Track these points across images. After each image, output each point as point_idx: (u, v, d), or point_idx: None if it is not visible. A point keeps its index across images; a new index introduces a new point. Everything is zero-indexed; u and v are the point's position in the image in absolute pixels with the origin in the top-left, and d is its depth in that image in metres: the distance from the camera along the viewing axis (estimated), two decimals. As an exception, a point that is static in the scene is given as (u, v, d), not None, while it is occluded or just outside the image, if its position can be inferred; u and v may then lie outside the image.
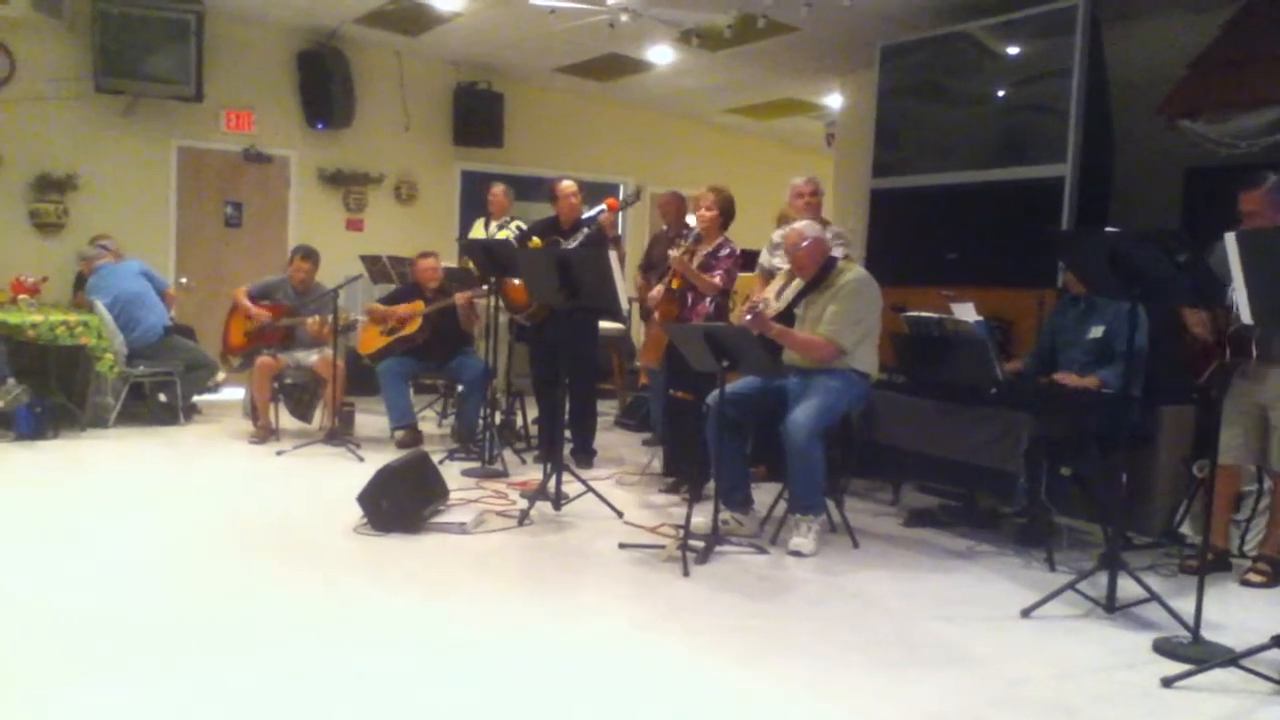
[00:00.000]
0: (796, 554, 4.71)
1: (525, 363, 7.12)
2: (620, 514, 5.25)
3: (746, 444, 5.28)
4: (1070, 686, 3.33)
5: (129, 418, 7.40)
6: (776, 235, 6.07)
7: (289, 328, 7.17)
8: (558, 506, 5.29)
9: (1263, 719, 3.15)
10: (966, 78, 6.88)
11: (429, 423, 7.84)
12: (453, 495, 5.32)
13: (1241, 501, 4.99)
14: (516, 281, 6.40)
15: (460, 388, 7.17)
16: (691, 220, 5.89)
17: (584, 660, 3.42)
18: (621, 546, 4.72)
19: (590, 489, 5.36)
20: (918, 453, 5.22)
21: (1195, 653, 3.52)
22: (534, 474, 6.00)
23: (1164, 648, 3.63)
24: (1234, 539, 4.94)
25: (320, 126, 9.84)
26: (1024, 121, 6.54)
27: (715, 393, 4.86)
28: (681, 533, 4.57)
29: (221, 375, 7.86)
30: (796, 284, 5.18)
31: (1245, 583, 4.54)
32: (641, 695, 3.16)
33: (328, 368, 6.90)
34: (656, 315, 5.71)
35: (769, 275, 5.73)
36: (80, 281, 8.51)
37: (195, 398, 7.88)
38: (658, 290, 5.88)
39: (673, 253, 5.59)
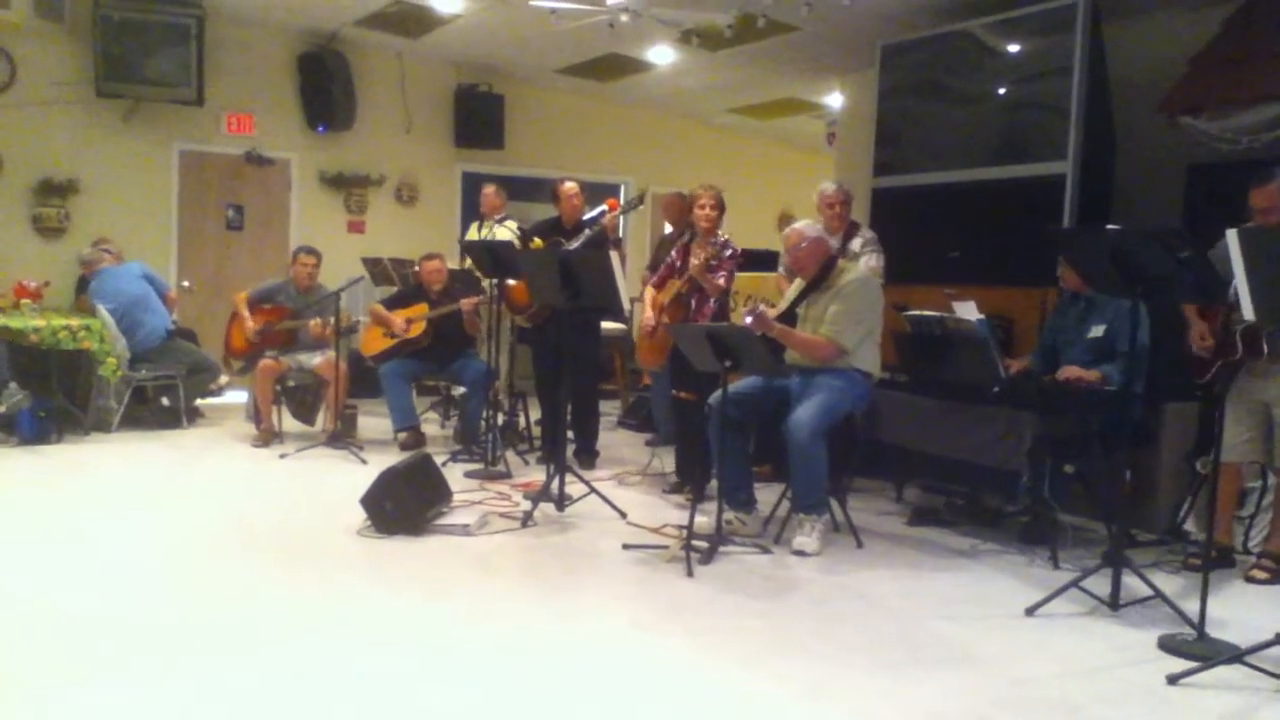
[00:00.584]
0: (800, 553, 4.71)
1: (527, 364, 7.12)
2: (623, 515, 5.25)
3: (749, 444, 5.29)
4: (1075, 685, 3.33)
5: (132, 421, 7.40)
6: None
7: (291, 330, 7.18)
8: (561, 507, 5.29)
9: (1268, 716, 3.14)
10: (967, 76, 6.87)
11: (432, 424, 7.85)
12: (456, 497, 5.32)
13: (1245, 498, 4.99)
14: (512, 282, 6.41)
15: (463, 389, 7.17)
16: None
17: (587, 661, 3.42)
18: (625, 547, 4.72)
19: (593, 490, 5.36)
20: (920, 452, 5.22)
21: (1200, 650, 3.52)
22: (537, 475, 6.01)
23: (1169, 645, 3.63)
24: (1238, 536, 4.94)
25: (321, 129, 9.84)
26: (1025, 119, 6.54)
27: (718, 393, 4.85)
28: (685, 533, 4.57)
29: (224, 378, 7.87)
30: (798, 284, 5.18)
31: (1250, 579, 4.53)
32: (645, 695, 3.16)
33: (330, 370, 6.90)
34: (665, 319, 5.69)
35: (792, 275, 5.71)
36: (82, 285, 8.52)
37: (198, 401, 7.89)
38: (658, 299, 5.86)
39: (694, 261, 5.57)
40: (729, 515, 4.96)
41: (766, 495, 5.34)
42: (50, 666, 3.21)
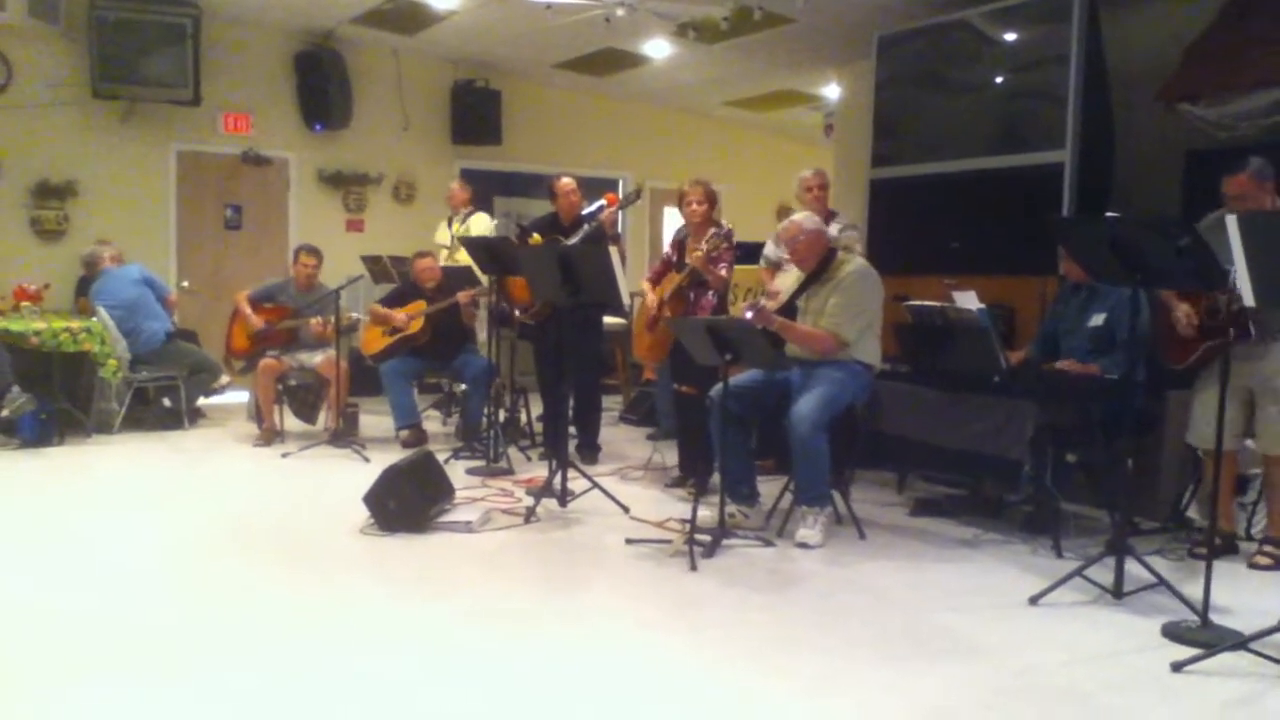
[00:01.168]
0: (803, 546, 4.71)
1: (527, 360, 7.12)
2: (626, 509, 5.25)
3: (750, 437, 5.29)
4: (1080, 673, 3.33)
5: (134, 423, 7.41)
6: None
7: (292, 329, 7.18)
8: (563, 503, 5.29)
9: (1273, 702, 3.14)
10: (964, 66, 6.86)
11: (433, 422, 7.85)
12: (458, 494, 5.33)
13: (1248, 485, 4.99)
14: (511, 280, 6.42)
15: (464, 386, 7.17)
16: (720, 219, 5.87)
17: (592, 657, 3.42)
18: (628, 542, 4.72)
19: (596, 485, 5.36)
20: (922, 442, 5.22)
21: (1204, 637, 3.52)
22: (539, 471, 6.01)
23: (1173, 632, 3.63)
24: (1240, 522, 4.94)
25: (318, 128, 9.83)
26: (1023, 108, 6.53)
27: (718, 386, 4.85)
28: (688, 527, 4.57)
29: (225, 378, 7.87)
30: (797, 276, 5.17)
31: (1253, 565, 4.54)
32: (650, 691, 3.17)
33: (331, 369, 6.90)
34: (665, 313, 5.69)
35: (776, 267, 5.72)
36: (82, 287, 8.53)
37: (200, 401, 7.89)
38: (657, 293, 5.86)
39: (696, 254, 5.57)
40: (731, 509, 4.96)
41: (769, 488, 5.35)
42: (52, 667, 3.21)
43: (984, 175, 6.58)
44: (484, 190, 10.44)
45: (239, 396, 8.15)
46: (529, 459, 6.63)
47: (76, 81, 8.75)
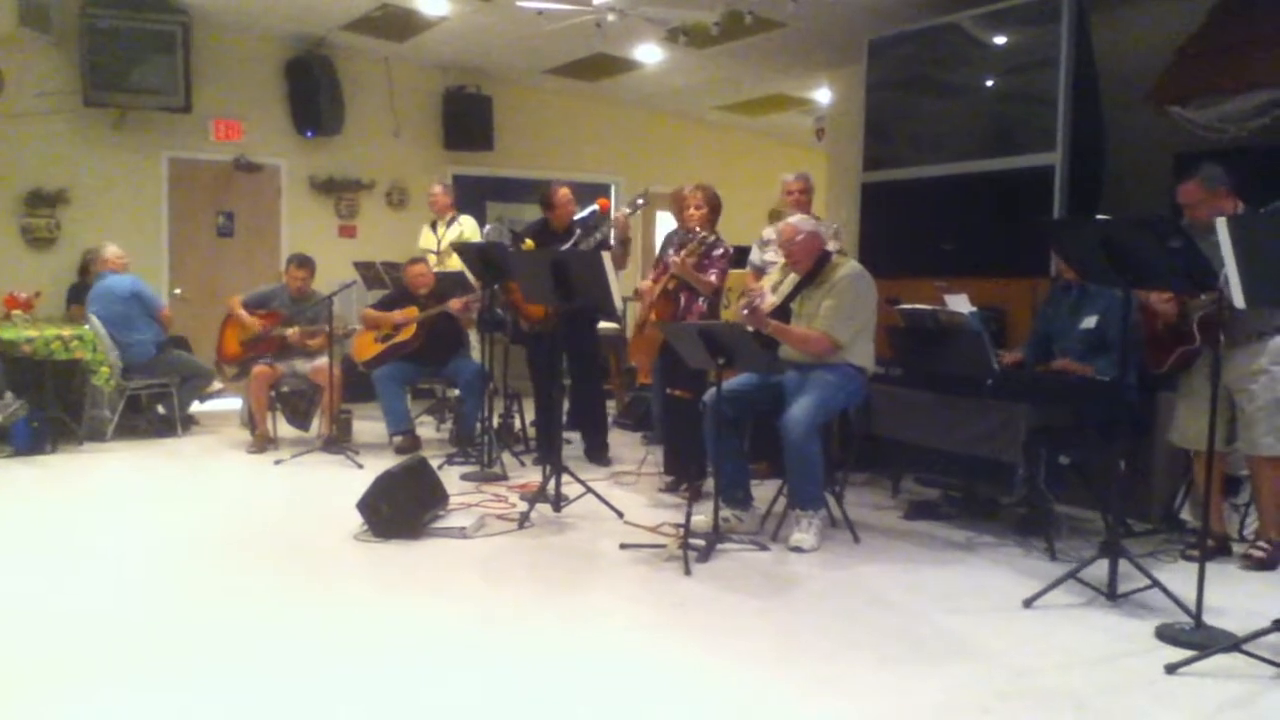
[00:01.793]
0: (798, 550, 4.71)
1: (521, 365, 7.12)
2: (620, 514, 5.25)
3: (744, 441, 5.29)
4: (1075, 675, 3.34)
5: (127, 430, 7.39)
6: (768, 232, 6.06)
7: (285, 337, 7.16)
8: (558, 508, 5.29)
9: (1266, 703, 3.15)
10: (955, 69, 6.88)
11: (427, 428, 7.84)
12: (453, 499, 5.32)
13: (1240, 486, 5.00)
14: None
15: (457, 391, 7.17)
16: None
17: (587, 661, 3.42)
18: (623, 547, 4.72)
19: (590, 490, 5.36)
20: (916, 445, 5.23)
21: (1198, 638, 3.53)
22: (533, 476, 6.00)
23: (1167, 634, 3.64)
24: (1233, 524, 4.96)
25: (310, 134, 9.83)
26: (1013, 111, 6.56)
27: (712, 390, 4.85)
28: (682, 531, 4.57)
29: (218, 384, 7.85)
30: (791, 279, 5.18)
31: (1246, 558, 4.55)
32: (646, 695, 3.16)
33: (324, 375, 6.89)
34: (653, 316, 5.70)
35: (760, 272, 5.74)
36: (73, 294, 8.52)
37: (194, 406, 7.87)
38: (650, 289, 5.86)
39: (676, 259, 5.58)
40: (726, 513, 4.96)
41: (763, 492, 5.35)
42: (46, 673, 3.20)
43: (975, 178, 6.61)
44: (476, 196, 10.46)
45: (232, 403, 8.13)
46: (523, 464, 6.62)
47: (67, 89, 8.75)
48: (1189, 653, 3.41)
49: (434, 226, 8.28)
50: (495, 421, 6.68)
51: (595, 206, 6.52)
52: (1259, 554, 4.53)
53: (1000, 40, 6.64)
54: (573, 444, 6.71)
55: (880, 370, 5.28)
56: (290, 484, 6.11)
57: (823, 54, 8.62)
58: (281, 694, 3.11)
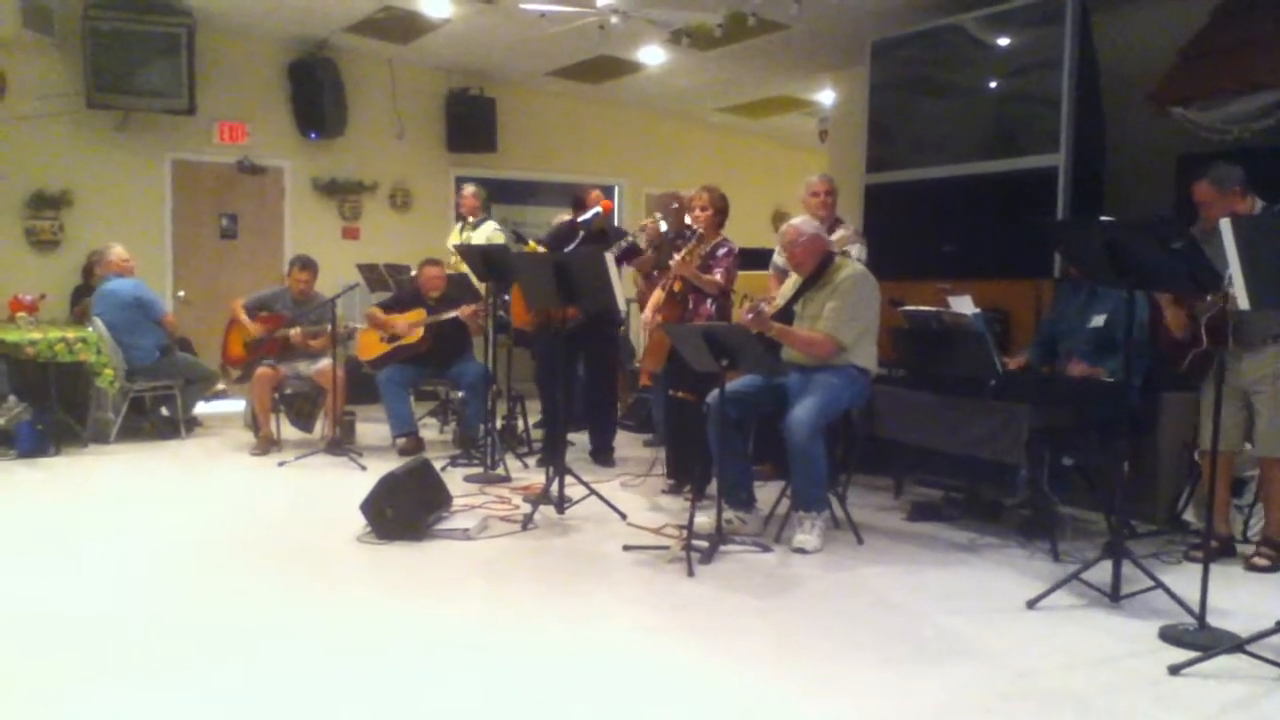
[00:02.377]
0: (801, 551, 4.71)
1: (524, 367, 7.13)
2: (624, 516, 5.25)
3: (748, 443, 5.29)
4: (1078, 676, 3.33)
5: (130, 432, 7.40)
6: None
7: (288, 338, 7.17)
8: (561, 510, 5.29)
9: (1270, 704, 3.15)
10: (958, 70, 6.89)
11: (430, 429, 7.85)
12: (456, 501, 5.32)
13: (1244, 487, 4.99)
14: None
15: (460, 393, 7.17)
16: (686, 219, 5.88)
17: (591, 663, 3.42)
18: (626, 548, 4.72)
19: (593, 492, 5.36)
20: (919, 447, 5.23)
21: (1202, 640, 3.52)
22: (537, 478, 6.01)
23: (1170, 635, 3.63)
24: (1237, 525, 4.95)
25: (313, 136, 9.85)
26: (1016, 112, 6.56)
27: (716, 392, 4.85)
28: (685, 533, 4.57)
29: (221, 385, 7.87)
30: (794, 280, 5.18)
31: (1251, 567, 4.54)
32: (649, 697, 3.16)
33: (328, 377, 6.90)
34: (659, 319, 5.70)
35: (783, 275, 5.71)
36: (77, 296, 8.53)
37: (198, 406, 7.87)
38: (656, 296, 5.86)
39: (675, 259, 5.57)
40: (729, 514, 4.96)
41: (766, 494, 5.35)
42: (49, 674, 3.21)
43: (978, 179, 6.61)
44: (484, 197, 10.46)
45: (235, 405, 8.14)
46: (526, 466, 6.63)
47: (71, 92, 8.77)
48: (1193, 654, 3.40)
49: (462, 226, 8.28)
50: (498, 423, 6.69)
51: (598, 209, 6.51)
52: (1263, 562, 4.52)
53: (1003, 42, 6.64)
54: (576, 445, 6.71)
55: (883, 371, 5.27)
56: (294, 486, 6.12)
57: (826, 56, 8.62)
58: (283, 695, 3.11)
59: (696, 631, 3.72)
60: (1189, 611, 3.69)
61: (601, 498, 5.34)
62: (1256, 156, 5.51)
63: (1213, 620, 3.63)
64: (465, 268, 7.56)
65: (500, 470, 6.21)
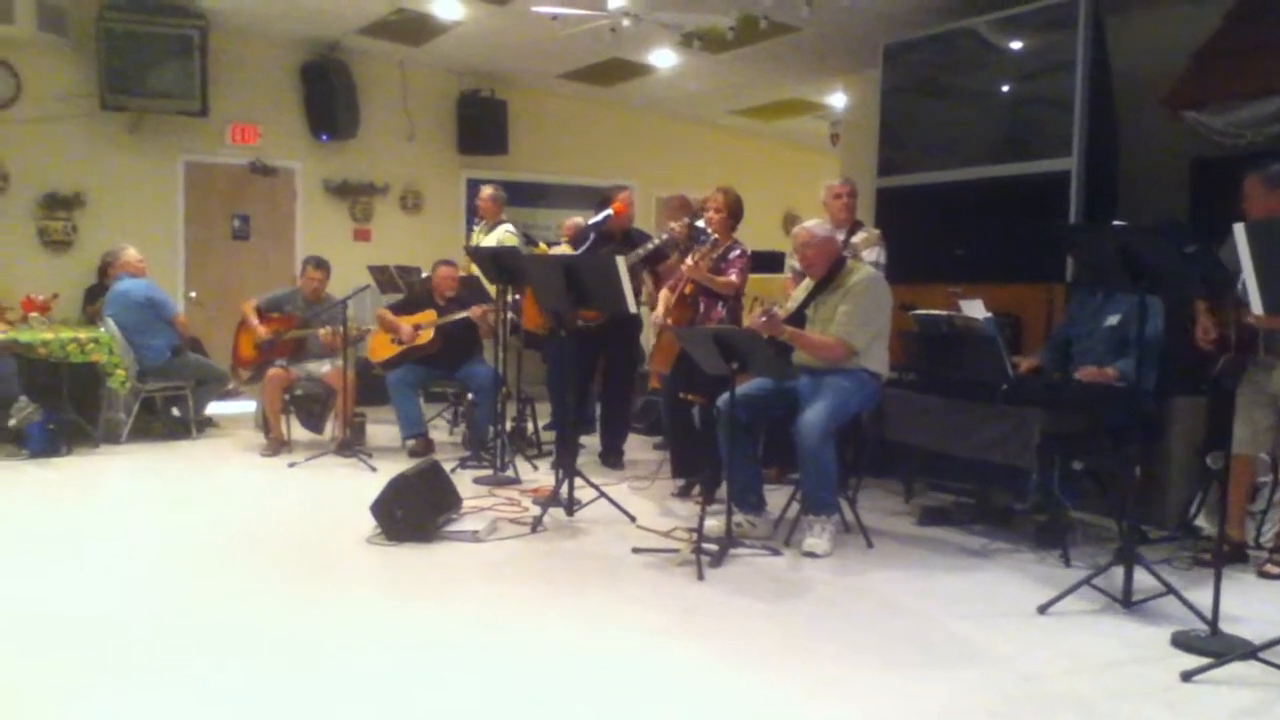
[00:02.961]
0: (811, 555, 4.70)
1: (534, 369, 7.13)
2: (633, 518, 5.25)
3: (758, 446, 5.27)
4: (1088, 682, 3.32)
5: (142, 433, 7.42)
6: None
7: (300, 339, 7.19)
8: (570, 512, 5.29)
9: (1283, 711, 3.13)
10: (970, 74, 6.87)
11: (440, 431, 7.86)
12: (465, 503, 5.33)
13: (1257, 493, 4.97)
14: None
15: (470, 395, 7.18)
16: (700, 223, 5.87)
17: (599, 665, 3.42)
18: (635, 551, 4.72)
19: (603, 494, 5.36)
20: (929, 451, 5.21)
21: (1214, 646, 3.50)
22: (546, 480, 6.00)
23: (1182, 641, 3.61)
24: (1250, 531, 4.92)
25: (325, 138, 9.87)
26: (1028, 116, 6.53)
27: (726, 395, 4.85)
28: (695, 536, 4.56)
29: (232, 386, 7.89)
30: (806, 284, 5.17)
31: (1264, 574, 4.51)
32: (657, 699, 3.16)
33: (338, 379, 6.91)
34: (669, 321, 5.69)
35: (800, 278, 5.69)
36: (90, 296, 8.57)
37: (210, 405, 7.89)
38: (663, 299, 5.85)
39: (686, 261, 5.56)
40: (738, 518, 4.95)
41: (776, 498, 5.34)
42: (60, 673, 3.22)
43: (990, 183, 6.59)
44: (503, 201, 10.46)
45: (246, 406, 8.16)
46: (535, 468, 6.63)
47: (85, 93, 8.81)
48: (1205, 660, 3.38)
49: (478, 228, 8.30)
50: (508, 425, 6.69)
51: (609, 210, 6.51)
52: (1276, 570, 4.50)
53: (1016, 45, 6.62)
54: (586, 448, 6.71)
55: (894, 375, 5.26)
56: (304, 487, 6.13)
57: (837, 59, 8.61)
58: (292, 692, 3.12)
59: (704, 634, 3.72)
60: (1201, 618, 3.67)
61: (611, 500, 5.34)
62: (1271, 161, 5.48)
63: (1225, 626, 3.61)
64: (476, 270, 7.57)
65: (510, 472, 6.21)
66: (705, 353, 4.67)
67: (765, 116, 11.18)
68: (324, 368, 7.11)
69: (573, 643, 3.62)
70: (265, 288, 7.81)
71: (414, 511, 4.82)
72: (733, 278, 5.60)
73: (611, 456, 6.70)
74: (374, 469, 6.35)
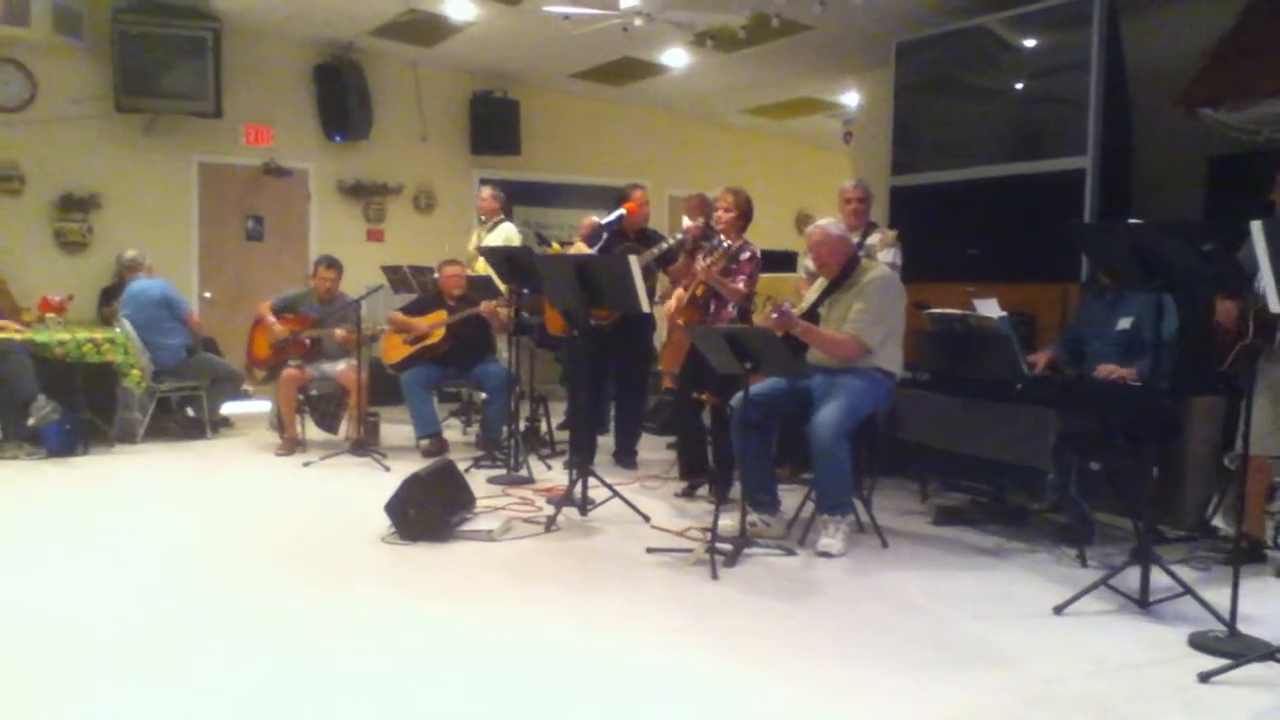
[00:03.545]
0: (825, 555, 4.69)
1: (548, 369, 7.14)
2: (647, 518, 5.25)
3: (772, 446, 5.26)
4: (1105, 683, 3.30)
5: (157, 432, 7.46)
6: None
7: (314, 340, 7.21)
8: (584, 512, 5.29)
9: (1302, 712, 3.11)
10: (984, 72, 6.85)
11: (454, 431, 7.87)
12: (479, 503, 5.33)
13: (1275, 493, 4.94)
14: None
15: (484, 395, 7.19)
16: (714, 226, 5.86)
17: (613, 664, 3.42)
18: (649, 551, 4.71)
19: (616, 494, 5.36)
20: (944, 450, 5.20)
21: (1232, 647, 3.48)
22: (560, 480, 6.01)
23: (1200, 642, 3.59)
24: (1268, 530, 4.89)
25: (338, 139, 9.90)
26: (1043, 114, 6.51)
27: (740, 395, 4.84)
28: (709, 536, 4.56)
29: (247, 387, 7.92)
30: (820, 282, 5.16)
31: (1282, 573, 4.49)
32: (671, 699, 3.16)
33: (352, 379, 6.93)
34: (680, 321, 5.68)
35: (815, 278, 5.68)
36: (105, 297, 8.61)
37: (225, 405, 7.91)
38: (676, 298, 5.84)
39: (699, 264, 5.55)
40: (753, 517, 4.94)
41: (791, 497, 5.33)
42: (75, 671, 3.24)
43: (1004, 182, 6.56)
44: (502, 199, 10.47)
45: (261, 406, 8.19)
46: (549, 468, 6.63)
47: (99, 95, 8.86)
48: (1222, 661, 3.36)
49: (480, 229, 8.32)
50: (521, 425, 6.70)
51: (622, 211, 6.51)
52: None
53: (1030, 43, 6.59)
54: (599, 448, 6.71)
55: (908, 374, 5.24)
56: (318, 486, 6.14)
57: (850, 57, 8.59)
58: (306, 692, 3.13)
59: (717, 633, 3.71)
60: (1219, 618, 3.65)
61: (625, 500, 5.34)
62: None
63: (1243, 627, 3.59)
64: (480, 269, 7.58)
65: (523, 472, 6.21)
66: (718, 352, 4.66)
67: (777, 115, 11.16)
68: (338, 367, 7.13)
69: (587, 642, 3.62)
70: (279, 289, 7.83)
71: (427, 511, 4.83)
72: (740, 285, 5.55)
73: (625, 456, 6.71)
74: (388, 469, 6.36)
